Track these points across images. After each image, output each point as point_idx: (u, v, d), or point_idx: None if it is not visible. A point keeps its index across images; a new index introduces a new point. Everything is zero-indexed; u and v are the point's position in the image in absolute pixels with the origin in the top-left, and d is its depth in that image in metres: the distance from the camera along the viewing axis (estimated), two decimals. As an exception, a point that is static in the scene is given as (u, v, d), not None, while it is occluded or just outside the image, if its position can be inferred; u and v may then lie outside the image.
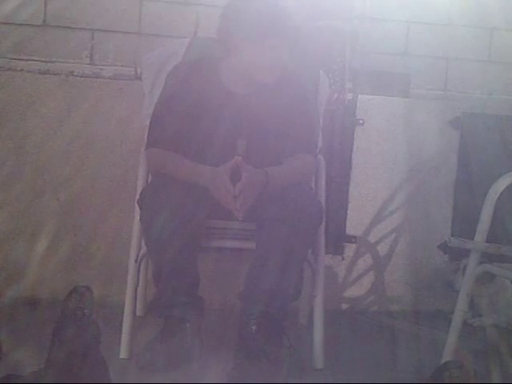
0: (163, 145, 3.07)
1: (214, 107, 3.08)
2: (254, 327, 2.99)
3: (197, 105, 3.09)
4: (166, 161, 3.07)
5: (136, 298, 3.16)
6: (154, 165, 3.14)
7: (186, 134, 3.08)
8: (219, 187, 2.92)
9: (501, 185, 3.14)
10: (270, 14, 3.03)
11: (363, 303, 3.88)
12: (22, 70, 3.66)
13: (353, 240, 3.88)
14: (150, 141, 3.13)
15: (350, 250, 3.88)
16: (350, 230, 3.87)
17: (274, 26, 3.01)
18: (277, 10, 3.04)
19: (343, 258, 3.88)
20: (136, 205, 3.08)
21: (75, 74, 3.70)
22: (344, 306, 3.87)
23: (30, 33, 3.67)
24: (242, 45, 3.04)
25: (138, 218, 3.06)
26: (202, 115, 3.08)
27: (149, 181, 3.23)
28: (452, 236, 3.65)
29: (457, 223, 3.90)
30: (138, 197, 3.08)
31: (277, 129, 3.11)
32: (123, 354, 3.04)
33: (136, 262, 3.10)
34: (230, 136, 3.08)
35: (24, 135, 3.65)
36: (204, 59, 3.20)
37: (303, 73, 3.28)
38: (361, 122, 3.83)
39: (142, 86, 3.42)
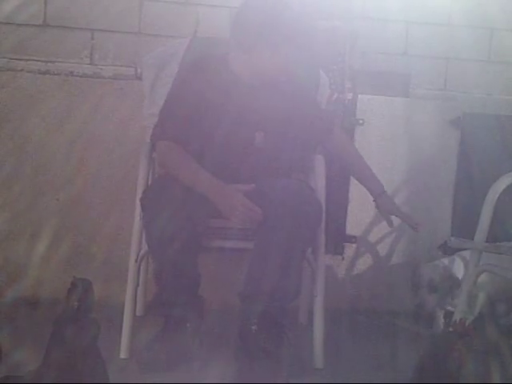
0: (172, 138, 3.06)
1: (228, 101, 3.08)
2: (254, 327, 2.99)
3: (210, 100, 3.07)
4: (174, 159, 3.06)
5: (136, 297, 3.16)
6: (163, 157, 3.13)
7: (201, 129, 3.07)
8: (237, 206, 2.93)
9: (501, 185, 3.15)
10: (291, 17, 3.05)
11: (363, 303, 3.88)
12: (22, 70, 3.66)
13: (353, 240, 3.88)
14: (159, 134, 3.11)
15: (349, 250, 3.88)
16: (350, 230, 3.87)
17: (296, 30, 3.05)
18: (294, 13, 3.07)
19: (343, 258, 3.88)
20: (136, 204, 3.08)
21: (75, 74, 3.70)
22: (344, 306, 3.87)
23: (30, 33, 3.67)
24: (264, 47, 3.05)
25: (139, 217, 3.06)
26: (216, 110, 3.07)
27: (149, 181, 3.23)
28: (452, 236, 3.65)
29: (457, 223, 3.90)
30: (140, 196, 3.08)
31: (295, 119, 3.12)
32: (123, 354, 3.04)
33: (136, 261, 3.10)
34: (248, 129, 3.09)
35: (24, 135, 3.65)
36: (213, 55, 3.19)
37: (303, 73, 3.28)
38: (361, 122, 3.83)
39: (142, 86, 3.42)
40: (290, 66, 3.09)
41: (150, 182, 3.23)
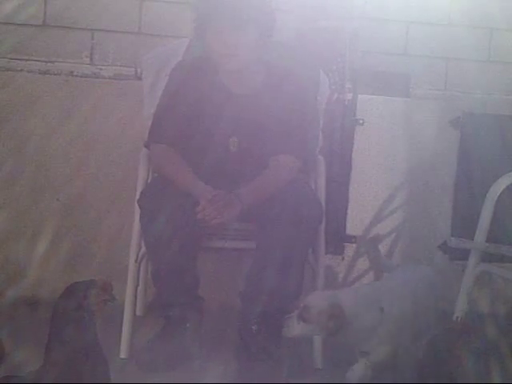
0: (167, 141, 3.07)
1: (211, 106, 3.08)
2: (254, 327, 2.99)
3: (196, 104, 3.09)
4: (167, 163, 3.07)
5: (136, 297, 3.16)
6: (156, 162, 3.14)
7: (185, 131, 3.08)
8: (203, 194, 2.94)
9: (501, 185, 3.15)
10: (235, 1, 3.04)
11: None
12: (21, 70, 3.66)
13: (353, 240, 3.87)
14: (153, 137, 3.13)
15: (350, 250, 3.88)
16: (350, 230, 3.87)
17: (236, 10, 3.00)
18: None
19: (343, 258, 3.88)
20: (136, 205, 3.08)
21: (75, 74, 3.70)
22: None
23: (30, 33, 3.67)
24: (210, 32, 3.04)
25: (138, 218, 3.06)
26: (200, 114, 3.08)
27: (149, 181, 3.23)
28: (452, 236, 3.65)
29: (457, 223, 3.90)
30: (138, 197, 3.08)
31: (271, 128, 3.10)
32: (123, 354, 3.04)
33: (136, 261, 3.10)
34: (223, 134, 3.08)
35: (24, 135, 3.65)
36: (207, 58, 3.19)
37: (303, 73, 3.28)
38: (361, 122, 3.83)
39: (142, 86, 3.42)
40: (240, 50, 3.03)
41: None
